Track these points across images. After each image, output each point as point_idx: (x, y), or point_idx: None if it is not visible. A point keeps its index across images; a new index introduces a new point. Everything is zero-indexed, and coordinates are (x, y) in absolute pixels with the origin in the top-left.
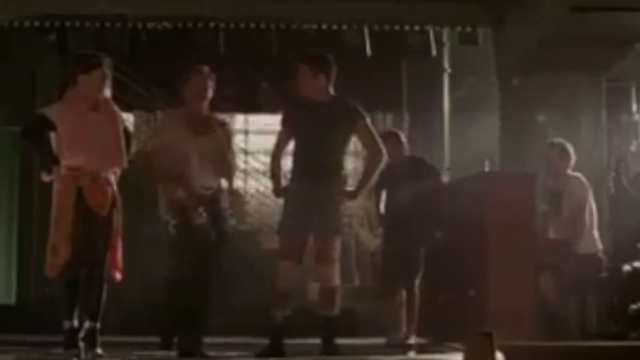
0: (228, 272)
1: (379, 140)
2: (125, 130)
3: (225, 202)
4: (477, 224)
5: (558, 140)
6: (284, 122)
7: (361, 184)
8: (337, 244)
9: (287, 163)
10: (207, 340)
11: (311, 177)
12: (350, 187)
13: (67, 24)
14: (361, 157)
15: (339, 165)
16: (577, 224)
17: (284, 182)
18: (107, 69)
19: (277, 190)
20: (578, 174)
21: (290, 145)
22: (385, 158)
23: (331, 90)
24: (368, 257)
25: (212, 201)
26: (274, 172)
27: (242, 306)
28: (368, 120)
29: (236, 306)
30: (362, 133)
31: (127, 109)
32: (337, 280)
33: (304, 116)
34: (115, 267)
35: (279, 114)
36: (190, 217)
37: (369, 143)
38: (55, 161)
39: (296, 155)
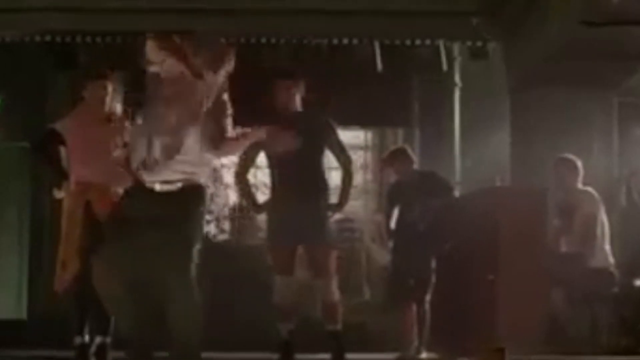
0: (238, 287)
1: (348, 152)
2: None
3: None
4: (488, 239)
5: (565, 155)
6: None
7: (342, 196)
8: (332, 257)
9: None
10: (216, 355)
11: (292, 190)
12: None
13: (78, 39)
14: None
15: (319, 178)
16: (588, 238)
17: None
18: (117, 84)
19: (257, 206)
20: (589, 188)
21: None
22: (352, 168)
23: (300, 104)
24: (379, 272)
25: None
26: (247, 188)
27: (252, 321)
28: (337, 133)
29: (246, 321)
30: (333, 146)
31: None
32: (336, 294)
33: (277, 132)
34: None
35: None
36: None
37: (340, 156)
38: (65, 176)
39: (273, 169)
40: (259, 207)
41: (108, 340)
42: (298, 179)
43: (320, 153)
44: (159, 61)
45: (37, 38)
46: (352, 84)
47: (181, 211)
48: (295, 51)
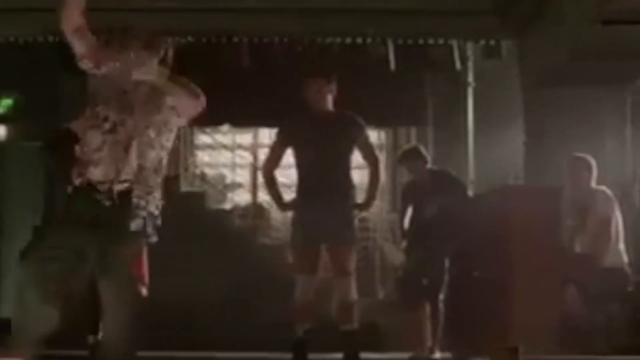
0: (252, 286)
1: (376, 152)
2: None
3: None
4: (501, 238)
5: (578, 154)
6: (284, 135)
7: (369, 196)
8: (352, 257)
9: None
10: (231, 355)
11: (319, 189)
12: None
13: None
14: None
15: (346, 177)
16: (602, 238)
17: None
18: None
19: (283, 205)
20: (603, 188)
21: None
22: (382, 169)
23: (332, 104)
24: (392, 271)
25: None
26: (273, 185)
27: (267, 321)
28: (368, 134)
29: (261, 321)
30: (362, 146)
31: None
32: (354, 294)
33: (307, 129)
34: (141, 283)
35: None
36: None
37: (369, 156)
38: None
39: (300, 168)
40: (285, 206)
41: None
42: (325, 178)
43: (348, 152)
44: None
45: (51, 38)
46: (365, 82)
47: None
48: (308, 50)
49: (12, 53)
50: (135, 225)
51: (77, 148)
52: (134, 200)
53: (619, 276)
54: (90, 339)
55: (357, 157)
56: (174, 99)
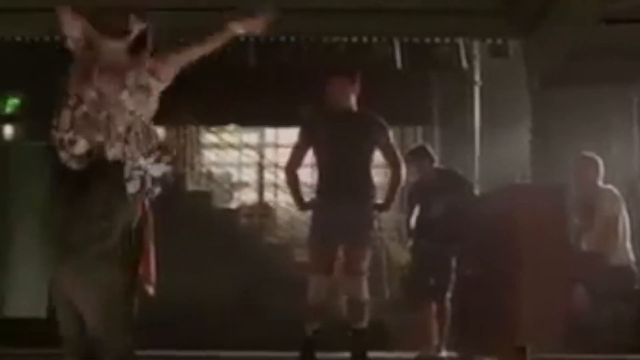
0: (259, 285)
1: (399, 154)
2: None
3: None
4: (507, 237)
5: (585, 153)
6: (306, 134)
7: (388, 197)
8: (367, 257)
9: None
10: (238, 354)
11: (339, 190)
12: (378, 200)
13: None
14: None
15: (367, 178)
16: (609, 237)
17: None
18: None
19: (303, 204)
20: (610, 187)
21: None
22: (404, 171)
23: (356, 104)
24: (399, 271)
25: None
26: (295, 185)
27: (274, 319)
28: (391, 135)
29: (267, 319)
30: (385, 147)
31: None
32: (365, 293)
33: (329, 129)
34: (148, 282)
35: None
36: None
37: (391, 157)
38: None
39: (321, 167)
40: (304, 206)
41: (129, 339)
42: (345, 179)
43: (369, 153)
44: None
45: (57, 37)
46: (371, 82)
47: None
48: (314, 50)
49: (18, 52)
50: (132, 186)
51: (54, 134)
52: (128, 162)
53: (626, 275)
54: None
55: (377, 157)
56: (154, 61)
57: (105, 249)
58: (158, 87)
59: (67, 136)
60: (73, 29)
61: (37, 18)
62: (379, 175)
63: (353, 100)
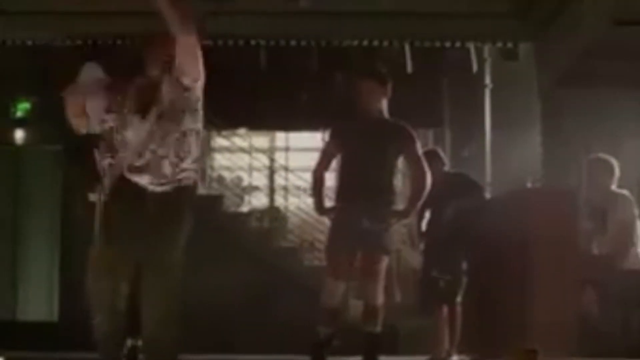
0: (269, 289)
1: (425, 165)
2: None
3: None
4: (518, 240)
5: (601, 155)
6: (333, 138)
7: (410, 205)
8: (384, 263)
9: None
10: (247, 357)
11: (361, 195)
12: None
13: (109, 41)
14: (406, 176)
15: (390, 185)
16: (623, 242)
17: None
18: None
19: (322, 209)
20: (625, 192)
21: (334, 162)
22: (429, 182)
23: (386, 109)
24: (410, 274)
25: None
26: (318, 189)
27: (283, 323)
28: (418, 145)
29: (276, 323)
30: (411, 155)
31: None
32: (381, 298)
33: (357, 133)
34: None
35: (320, 131)
36: None
37: (417, 167)
38: (99, 179)
39: (344, 172)
40: (324, 210)
41: (139, 343)
42: (368, 185)
43: (394, 161)
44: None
45: (68, 41)
46: None
47: (171, 211)
48: (324, 53)
49: (29, 56)
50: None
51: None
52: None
53: (638, 279)
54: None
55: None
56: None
57: (177, 258)
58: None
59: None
60: (80, 126)
61: (48, 22)
62: (397, 181)
63: (384, 104)
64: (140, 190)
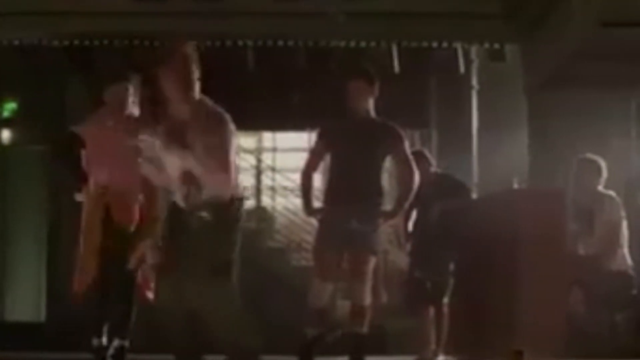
0: (256, 290)
1: (413, 165)
2: None
3: None
4: (505, 241)
5: (589, 156)
6: (321, 138)
7: (398, 205)
8: (371, 263)
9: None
10: None
11: (349, 196)
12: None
13: (96, 42)
14: (393, 176)
15: (378, 185)
16: (610, 243)
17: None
18: (134, 87)
19: (310, 209)
20: (612, 193)
21: (322, 163)
22: (417, 182)
23: (373, 107)
24: (396, 275)
25: None
26: (307, 189)
27: (270, 324)
28: (407, 145)
29: (264, 323)
30: (399, 154)
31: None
32: (368, 299)
33: (344, 133)
34: (147, 287)
35: (307, 131)
36: None
37: (404, 165)
38: (85, 179)
39: (332, 172)
40: (312, 211)
41: (126, 343)
42: (356, 185)
43: (381, 161)
44: None
45: (55, 41)
46: None
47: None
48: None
49: (16, 57)
50: None
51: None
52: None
53: (624, 279)
54: (94, 342)
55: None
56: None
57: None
58: None
59: None
60: None
61: (35, 22)
62: (385, 181)
63: (371, 104)
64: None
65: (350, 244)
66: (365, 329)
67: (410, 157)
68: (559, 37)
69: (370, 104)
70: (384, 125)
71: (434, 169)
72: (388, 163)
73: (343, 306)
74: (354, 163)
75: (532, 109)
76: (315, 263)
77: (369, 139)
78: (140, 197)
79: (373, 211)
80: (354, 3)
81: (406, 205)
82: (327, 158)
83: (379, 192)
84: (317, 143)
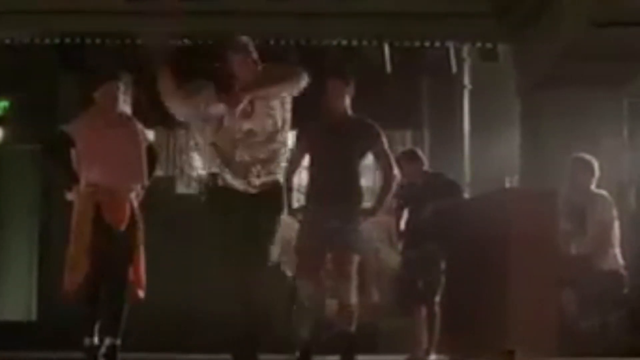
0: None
1: (393, 160)
2: (151, 147)
3: None
4: (497, 241)
5: (582, 155)
6: (302, 138)
7: (378, 201)
8: (355, 261)
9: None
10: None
11: (330, 195)
12: (366, 204)
13: (87, 40)
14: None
15: (357, 183)
16: (602, 242)
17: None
18: (126, 85)
19: (291, 209)
20: (604, 192)
21: (304, 162)
22: (398, 178)
23: (350, 106)
24: (388, 274)
25: None
26: (289, 190)
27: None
28: (385, 140)
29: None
30: (379, 153)
31: (149, 126)
32: (354, 297)
33: (323, 132)
34: (138, 285)
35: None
36: None
37: (385, 163)
38: (76, 178)
39: (313, 172)
40: (293, 211)
41: (118, 342)
42: (336, 184)
43: (360, 158)
44: None
45: (47, 40)
46: (360, 85)
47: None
48: (304, 53)
49: (8, 55)
50: None
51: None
52: None
53: (616, 278)
54: (86, 341)
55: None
56: None
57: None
58: None
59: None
60: None
61: (26, 21)
62: (367, 178)
63: (348, 102)
64: None
65: (332, 244)
66: (353, 327)
67: (390, 153)
68: (550, 36)
69: (347, 102)
70: (361, 122)
71: (426, 168)
72: (369, 160)
73: (331, 305)
74: (333, 162)
75: (525, 109)
76: (300, 263)
77: (347, 137)
78: (133, 196)
79: (353, 209)
80: (346, 3)
81: (387, 200)
82: (307, 158)
83: (359, 189)
84: (295, 143)
